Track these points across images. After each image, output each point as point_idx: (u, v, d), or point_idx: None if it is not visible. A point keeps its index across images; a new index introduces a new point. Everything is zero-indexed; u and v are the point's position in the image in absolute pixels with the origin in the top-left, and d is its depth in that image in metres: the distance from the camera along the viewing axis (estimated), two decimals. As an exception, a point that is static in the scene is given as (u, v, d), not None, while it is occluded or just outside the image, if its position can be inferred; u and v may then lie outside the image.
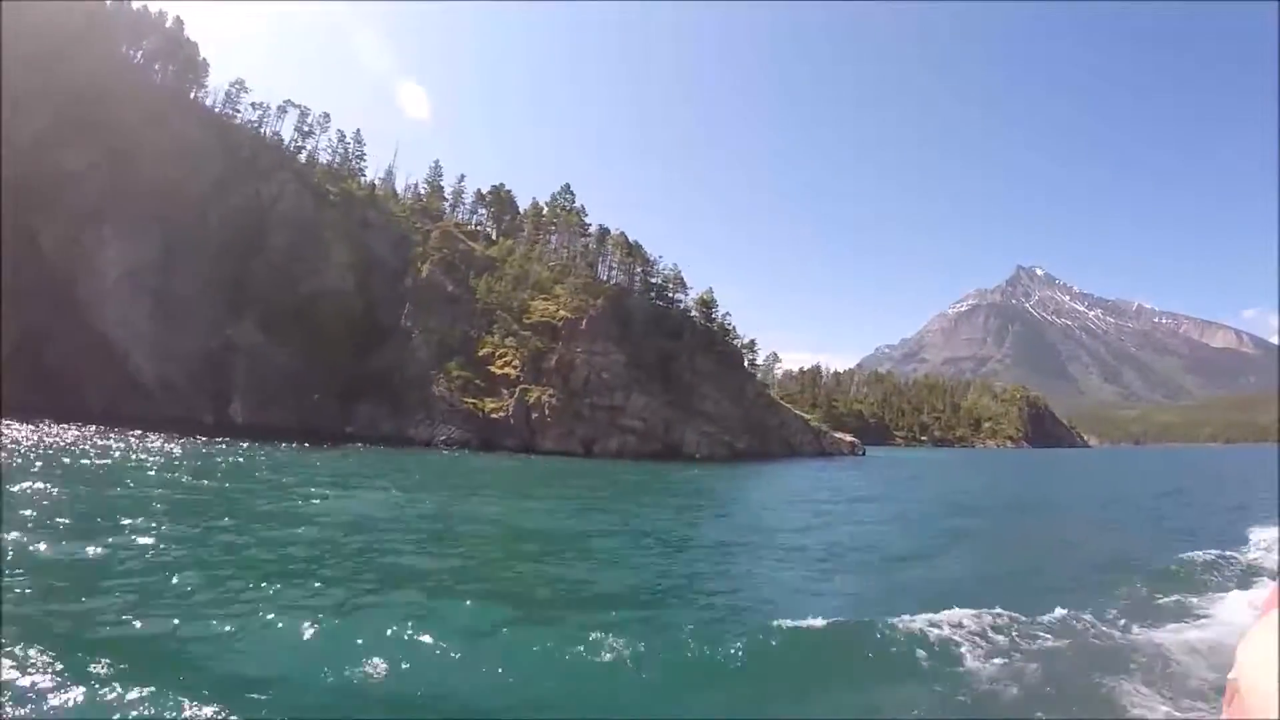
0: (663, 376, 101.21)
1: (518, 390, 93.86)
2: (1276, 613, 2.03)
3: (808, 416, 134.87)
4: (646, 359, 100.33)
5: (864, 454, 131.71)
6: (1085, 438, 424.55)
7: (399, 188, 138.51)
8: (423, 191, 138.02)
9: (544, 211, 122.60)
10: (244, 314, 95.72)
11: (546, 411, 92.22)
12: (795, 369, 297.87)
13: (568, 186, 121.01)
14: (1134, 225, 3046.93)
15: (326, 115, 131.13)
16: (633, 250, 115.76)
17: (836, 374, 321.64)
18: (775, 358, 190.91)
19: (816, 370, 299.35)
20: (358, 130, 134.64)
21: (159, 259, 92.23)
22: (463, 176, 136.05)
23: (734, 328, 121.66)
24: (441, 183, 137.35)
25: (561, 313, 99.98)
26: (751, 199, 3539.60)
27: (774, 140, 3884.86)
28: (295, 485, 34.01)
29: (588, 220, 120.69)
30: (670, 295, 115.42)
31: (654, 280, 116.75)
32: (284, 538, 20.20)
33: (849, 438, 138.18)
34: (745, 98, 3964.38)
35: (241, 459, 46.98)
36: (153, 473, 34.73)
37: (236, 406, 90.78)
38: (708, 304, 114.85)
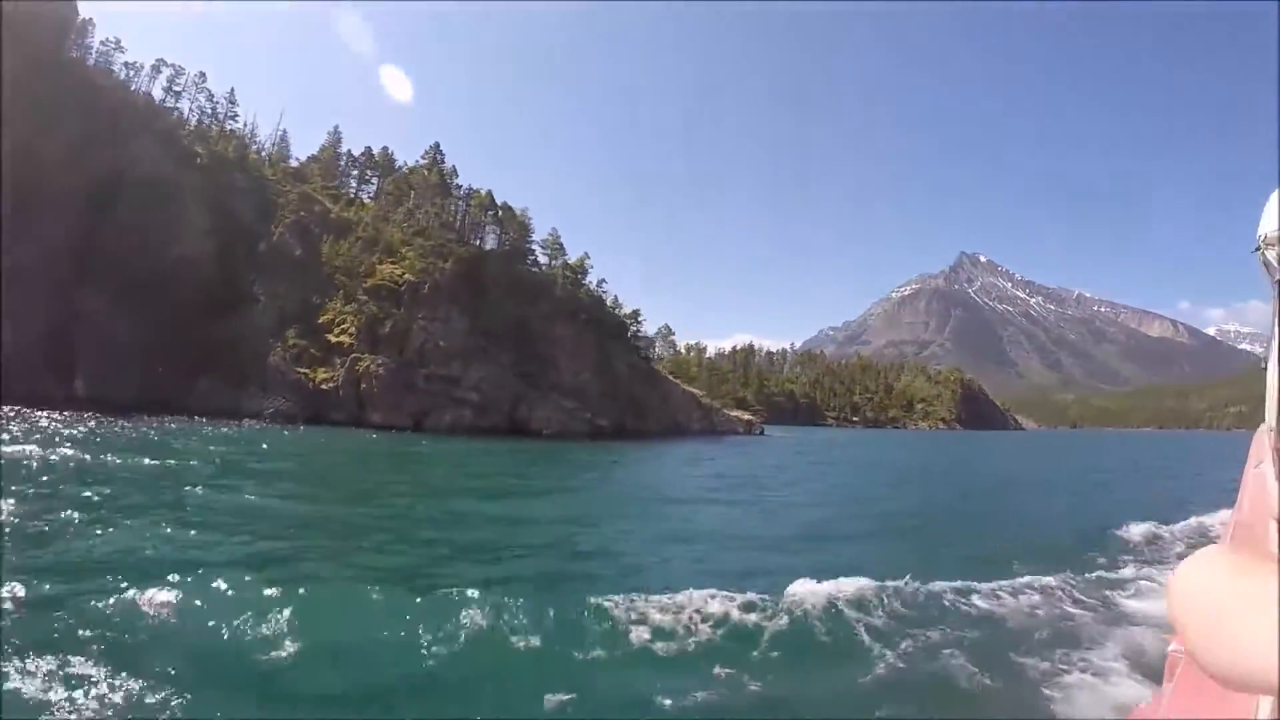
0: (515, 346, 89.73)
1: (349, 360, 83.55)
2: (1211, 548, 1.84)
3: (698, 392, 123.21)
4: (498, 327, 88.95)
5: (761, 433, 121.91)
6: (1020, 421, 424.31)
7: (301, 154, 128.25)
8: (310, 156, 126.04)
9: (410, 173, 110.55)
10: (91, 282, 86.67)
11: (375, 382, 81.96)
12: (728, 348, 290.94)
13: (437, 146, 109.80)
14: (1075, 216, 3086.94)
15: (202, 74, 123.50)
16: (500, 212, 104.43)
17: (770, 354, 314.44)
18: (668, 329, 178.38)
19: (750, 349, 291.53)
20: (231, 90, 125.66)
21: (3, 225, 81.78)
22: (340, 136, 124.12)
23: (615, 297, 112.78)
24: (342, 149, 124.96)
25: (407, 276, 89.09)
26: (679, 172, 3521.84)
27: (718, 119, 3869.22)
28: None
29: (458, 182, 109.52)
30: (550, 263, 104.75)
31: (531, 245, 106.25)
32: None
33: (746, 416, 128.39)
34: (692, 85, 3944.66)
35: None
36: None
37: (81, 380, 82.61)
38: (575, 270, 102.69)
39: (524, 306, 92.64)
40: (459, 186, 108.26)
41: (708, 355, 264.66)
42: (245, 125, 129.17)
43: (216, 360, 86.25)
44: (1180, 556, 17.96)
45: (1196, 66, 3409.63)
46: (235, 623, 10.54)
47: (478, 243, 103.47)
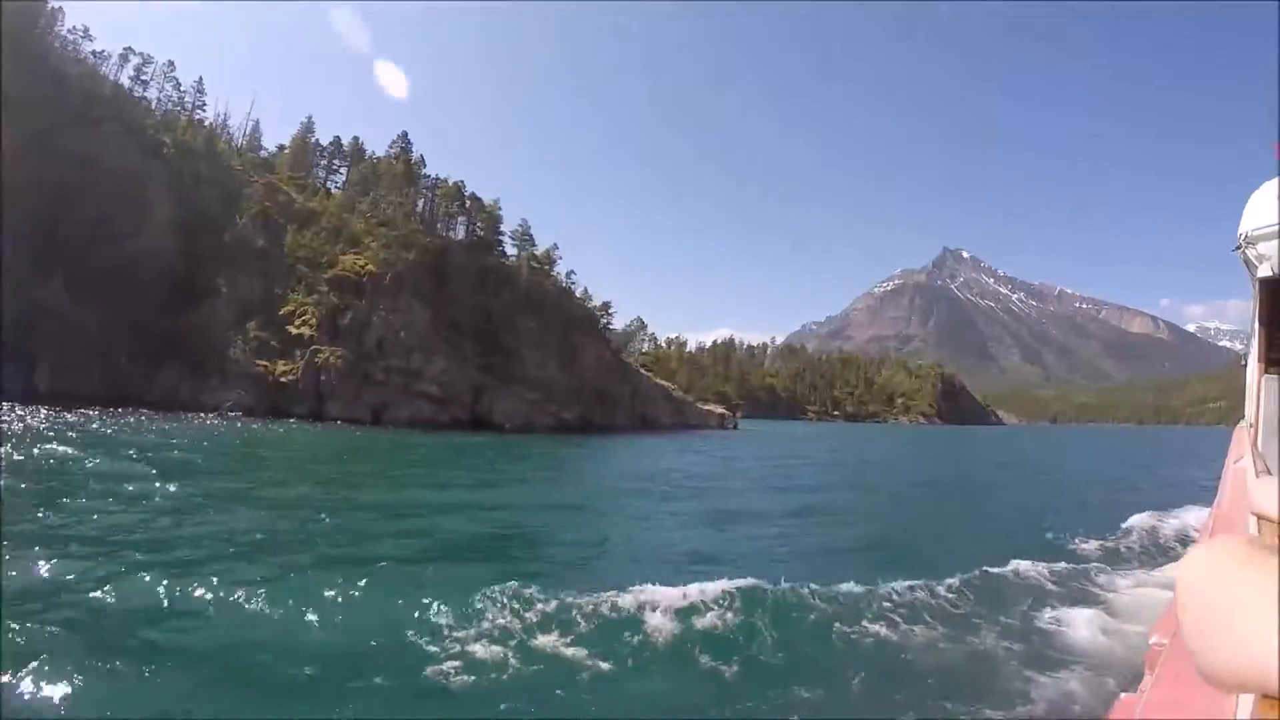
0: (479, 338, 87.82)
1: (309, 352, 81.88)
2: (1217, 538, 1.93)
3: (670, 385, 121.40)
4: (461, 319, 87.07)
5: (735, 427, 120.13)
6: (1001, 416, 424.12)
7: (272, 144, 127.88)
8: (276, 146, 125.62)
9: (376, 163, 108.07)
10: (54, 274, 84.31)
11: (333, 375, 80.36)
12: (709, 342, 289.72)
13: (405, 135, 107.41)
14: (1058, 213, 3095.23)
15: (171, 63, 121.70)
16: (468, 202, 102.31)
17: (751, 348, 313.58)
18: (640, 323, 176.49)
19: (730, 343, 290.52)
20: (199, 79, 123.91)
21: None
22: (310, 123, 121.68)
23: (585, 289, 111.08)
24: (315, 139, 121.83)
25: (369, 267, 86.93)
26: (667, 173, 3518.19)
27: (707, 115, 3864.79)
28: None
29: (425, 172, 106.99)
30: (520, 254, 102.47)
31: (501, 237, 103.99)
32: None
33: (719, 409, 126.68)
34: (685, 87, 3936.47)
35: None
36: None
37: (41, 373, 79.98)
38: (540, 260, 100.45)
39: (488, 298, 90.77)
40: (427, 177, 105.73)
41: (689, 349, 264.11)
42: (218, 116, 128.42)
43: (178, 353, 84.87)
44: (1168, 550, 19.93)
45: (1178, 65, 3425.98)
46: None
47: (450, 234, 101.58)
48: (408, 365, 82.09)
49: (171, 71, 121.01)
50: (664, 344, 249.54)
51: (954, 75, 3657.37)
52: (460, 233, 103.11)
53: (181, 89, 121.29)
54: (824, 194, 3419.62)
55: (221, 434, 51.19)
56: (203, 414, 73.50)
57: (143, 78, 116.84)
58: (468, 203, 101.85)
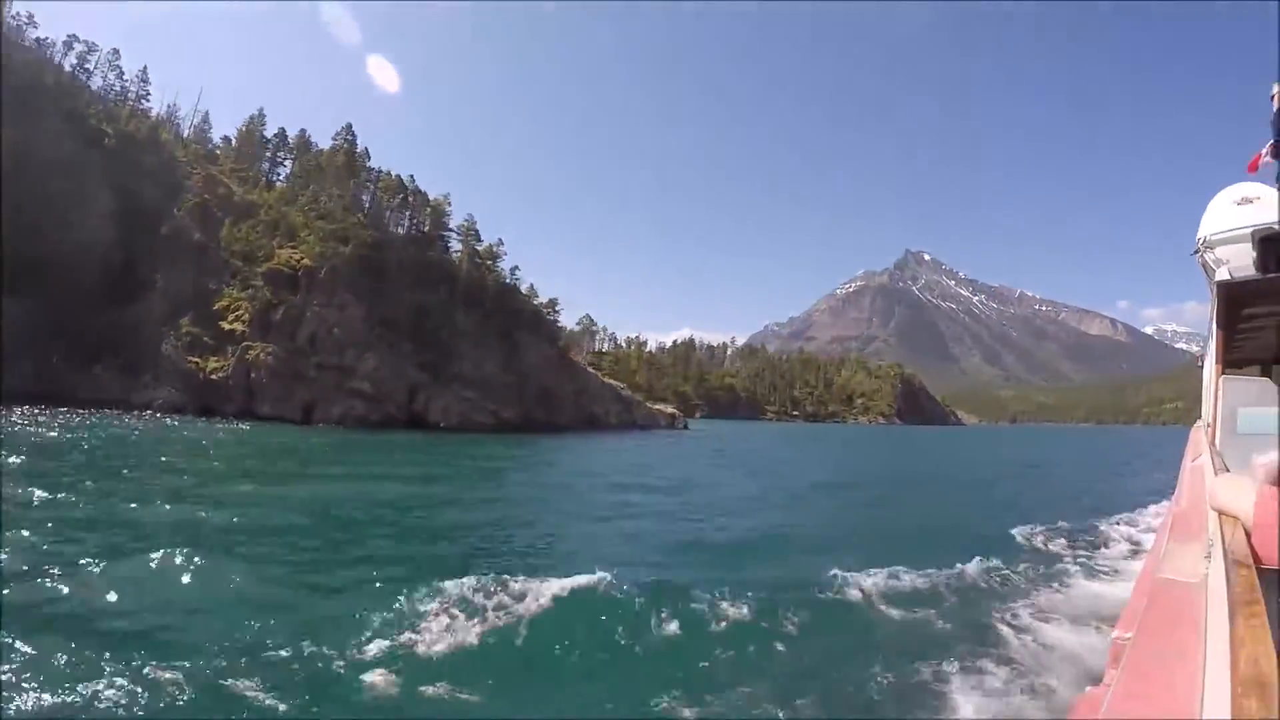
0: (416, 335, 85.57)
1: (240, 348, 79.49)
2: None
3: (618, 384, 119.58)
4: (398, 315, 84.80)
5: (685, 427, 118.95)
6: (961, 416, 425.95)
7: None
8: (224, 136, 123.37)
9: (319, 155, 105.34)
10: None
11: (264, 372, 77.91)
12: (669, 341, 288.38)
13: (349, 127, 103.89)
14: (1019, 217, 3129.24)
15: (116, 51, 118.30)
16: (410, 196, 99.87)
17: (711, 347, 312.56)
18: (590, 320, 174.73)
19: (690, 343, 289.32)
20: (144, 68, 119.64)
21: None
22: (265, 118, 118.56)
23: (530, 285, 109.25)
24: (265, 131, 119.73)
25: (304, 261, 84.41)
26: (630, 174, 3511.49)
27: (670, 119, 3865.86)
28: None
29: (371, 165, 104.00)
30: (467, 250, 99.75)
31: (449, 232, 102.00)
32: None
33: (670, 409, 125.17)
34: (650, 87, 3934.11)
35: None
36: None
37: None
38: (481, 255, 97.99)
39: (427, 294, 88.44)
40: (372, 170, 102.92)
41: (650, 349, 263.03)
42: (169, 108, 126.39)
43: (112, 349, 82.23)
44: (1129, 547, 20.14)
45: (1139, 72, 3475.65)
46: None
47: (399, 230, 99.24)
48: (341, 362, 79.86)
49: (116, 60, 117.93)
50: (624, 344, 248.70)
51: (916, 78, 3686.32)
52: (407, 228, 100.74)
53: (125, 78, 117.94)
54: (787, 195, 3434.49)
55: (136, 434, 48.69)
56: (133, 412, 71.16)
57: (86, 66, 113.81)
58: (410, 197, 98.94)
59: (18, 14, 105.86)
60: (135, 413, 71.12)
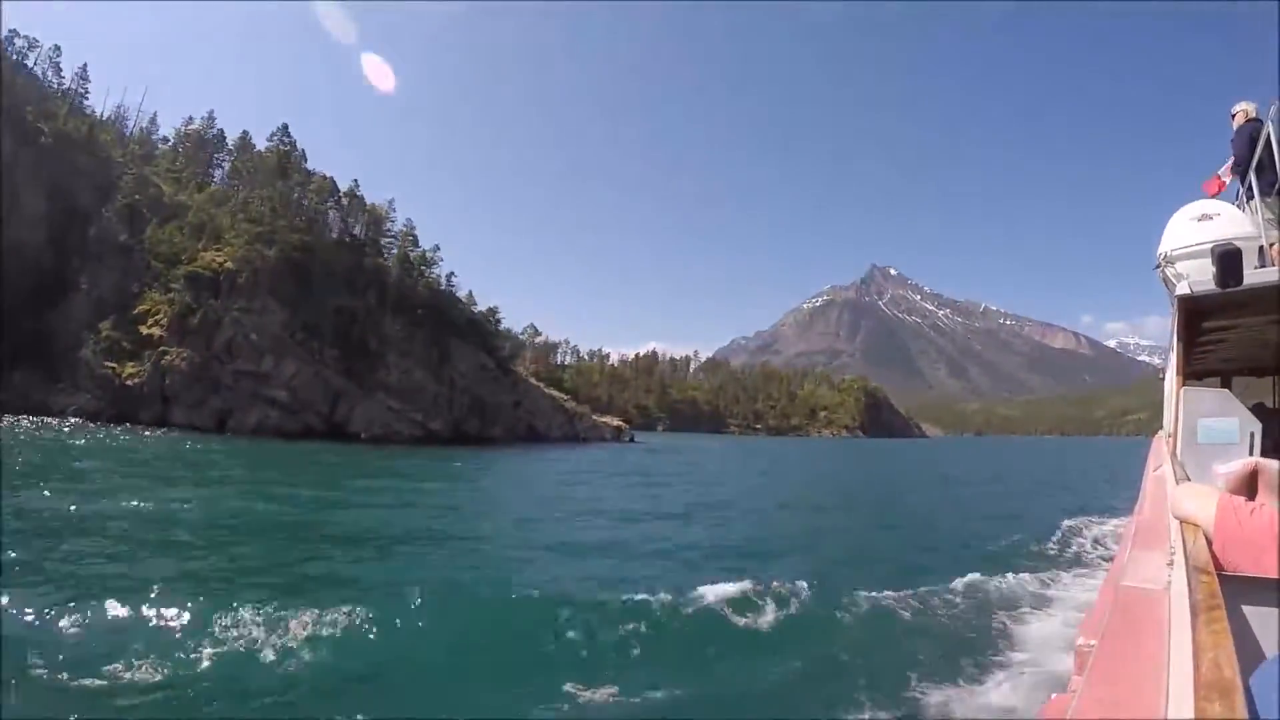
0: (341, 342, 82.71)
1: (156, 353, 76.53)
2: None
3: (561, 396, 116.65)
4: (322, 321, 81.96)
5: (631, 440, 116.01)
6: (924, 429, 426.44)
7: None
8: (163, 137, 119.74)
9: (252, 156, 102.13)
10: None
11: (178, 378, 75.10)
12: (632, 355, 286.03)
13: (285, 128, 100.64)
14: (984, 232, 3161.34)
15: (57, 48, 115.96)
16: (343, 198, 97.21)
17: (673, 360, 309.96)
18: (534, 330, 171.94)
19: (653, 355, 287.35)
20: (84, 66, 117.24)
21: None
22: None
23: (469, 292, 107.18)
24: (218, 129, 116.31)
25: (227, 264, 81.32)
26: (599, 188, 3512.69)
27: (643, 130, 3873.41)
28: None
29: (309, 167, 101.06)
30: (399, 256, 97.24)
31: (389, 238, 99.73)
32: None
33: (615, 422, 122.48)
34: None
35: None
36: None
37: None
38: (418, 262, 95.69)
39: (354, 299, 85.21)
40: (311, 171, 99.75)
41: (613, 363, 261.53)
42: (119, 107, 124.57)
43: (33, 354, 79.12)
44: (1092, 555, 20.73)
45: (1099, 91, 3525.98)
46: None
47: (332, 234, 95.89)
48: (258, 369, 77.19)
49: (57, 57, 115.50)
50: (586, 356, 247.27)
51: (881, 95, 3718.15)
52: (340, 232, 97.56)
53: (62, 74, 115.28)
54: (754, 211, 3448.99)
55: (21, 443, 44.83)
56: (47, 418, 68.55)
57: (25, 63, 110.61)
58: (343, 199, 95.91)
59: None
60: (46, 420, 68.15)
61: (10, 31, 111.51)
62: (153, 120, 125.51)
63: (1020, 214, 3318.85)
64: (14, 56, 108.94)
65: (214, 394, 75.38)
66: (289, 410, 76.78)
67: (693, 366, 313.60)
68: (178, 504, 24.39)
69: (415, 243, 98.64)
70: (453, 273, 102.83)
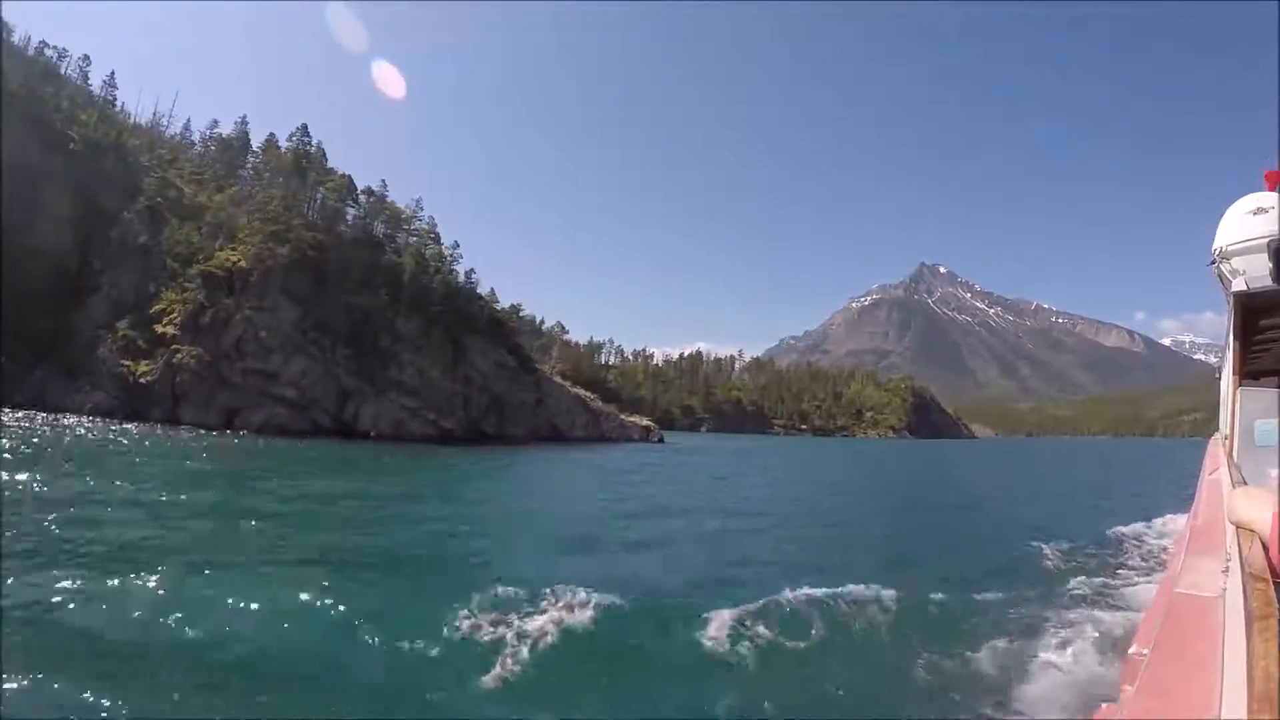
0: (354, 340, 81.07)
1: (168, 352, 75.80)
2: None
3: (588, 395, 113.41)
4: (334, 319, 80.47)
5: (660, 440, 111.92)
6: (976, 429, 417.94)
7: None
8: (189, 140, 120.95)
9: (269, 155, 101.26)
10: None
11: (187, 376, 74.27)
12: (676, 354, 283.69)
13: (305, 128, 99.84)
14: (1035, 229, 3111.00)
15: (86, 58, 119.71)
16: (360, 195, 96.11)
17: (718, 360, 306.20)
18: (561, 328, 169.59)
19: (698, 356, 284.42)
20: (111, 73, 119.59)
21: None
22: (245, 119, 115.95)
23: (491, 289, 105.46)
24: (249, 136, 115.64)
25: (242, 263, 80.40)
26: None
27: (693, 135, 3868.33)
28: None
29: (331, 167, 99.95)
30: (414, 253, 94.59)
31: (415, 237, 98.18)
32: None
33: (644, 422, 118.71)
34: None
35: None
36: None
37: None
38: (427, 259, 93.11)
39: (367, 297, 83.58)
40: (332, 170, 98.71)
41: (658, 363, 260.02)
42: (155, 115, 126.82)
43: (55, 352, 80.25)
44: (1148, 560, 19.79)
45: (1155, 84, 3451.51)
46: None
47: (347, 232, 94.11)
48: (266, 367, 75.96)
49: (86, 66, 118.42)
50: (630, 357, 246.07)
51: (931, 93, 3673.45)
52: (357, 228, 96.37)
53: (90, 82, 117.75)
54: (804, 209, 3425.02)
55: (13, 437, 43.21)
56: (61, 415, 68.36)
57: (57, 70, 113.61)
58: (364, 198, 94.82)
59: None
60: (68, 417, 68.06)
61: (41, 43, 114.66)
62: (187, 126, 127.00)
63: (1071, 208, 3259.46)
64: (44, 70, 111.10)
65: (222, 391, 74.43)
66: (297, 408, 75.48)
67: (737, 366, 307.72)
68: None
69: (437, 240, 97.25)
70: (472, 270, 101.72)
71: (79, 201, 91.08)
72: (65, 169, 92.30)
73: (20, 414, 64.42)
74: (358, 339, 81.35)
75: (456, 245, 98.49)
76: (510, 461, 57.64)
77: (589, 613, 11.77)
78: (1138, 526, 25.42)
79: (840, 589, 13.64)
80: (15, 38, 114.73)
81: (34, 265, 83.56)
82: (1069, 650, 11.29)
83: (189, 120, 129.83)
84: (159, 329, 78.76)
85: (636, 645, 11.15)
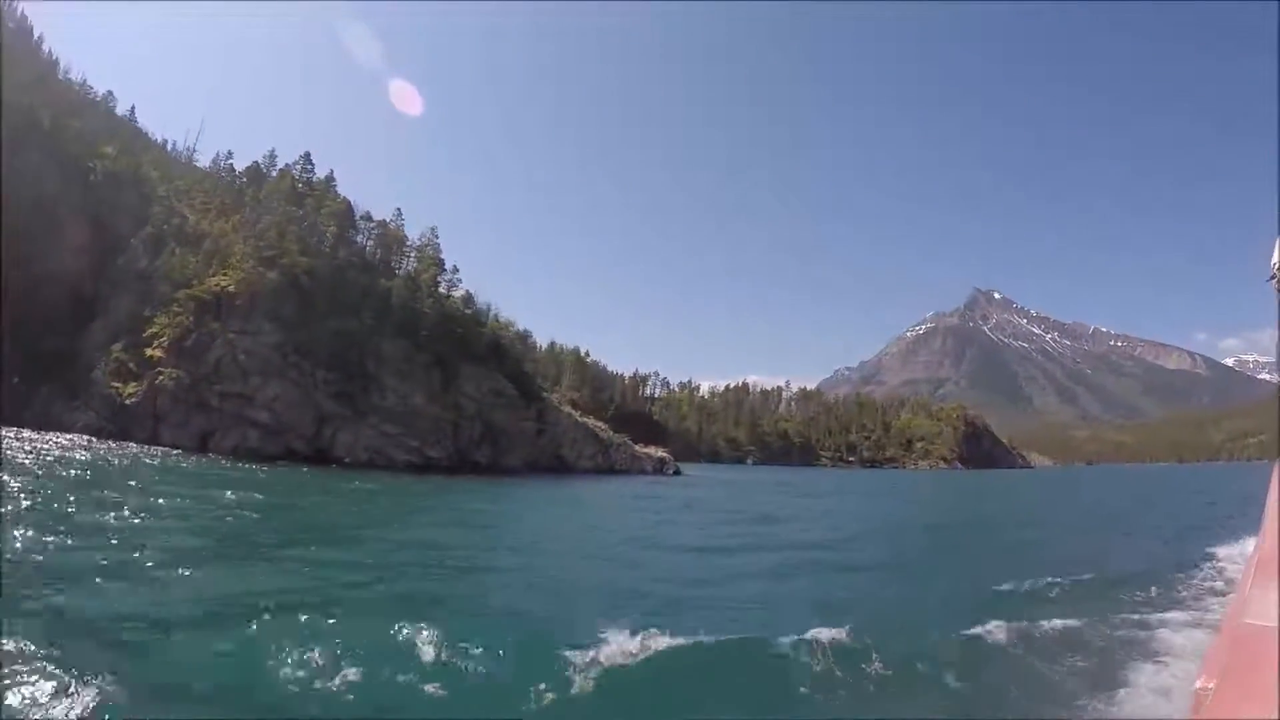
0: (339, 364, 79.31)
1: (152, 374, 76.40)
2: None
3: (598, 425, 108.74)
4: (317, 344, 78.76)
5: (676, 473, 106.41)
6: (1032, 458, 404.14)
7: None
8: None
9: (269, 180, 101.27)
10: None
11: (166, 398, 74.81)
12: (723, 386, 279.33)
13: (307, 156, 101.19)
14: (1088, 251, 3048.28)
15: (110, 93, 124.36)
16: (359, 221, 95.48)
17: (764, 391, 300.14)
18: (578, 353, 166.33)
19: (744, 387, 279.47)
20: (132, 108, 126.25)
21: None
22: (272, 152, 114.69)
23: (488, 309, 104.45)
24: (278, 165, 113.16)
25: (230, 287, 79.94)
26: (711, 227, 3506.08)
27: (734, 161, 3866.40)
28: None
29: (338, 191, 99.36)
30: (404, 276, 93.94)
31: (409, 262, 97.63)
32: None
33: (659, 453, 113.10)
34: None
35: None
36: None
37: None
38: (420, 283, 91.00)
39: (353, 321, 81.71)
40: (336, 195, 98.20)
41: (703, 394, 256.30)
42: (189, 146, 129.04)
43: (59, 373, 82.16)
44: (1217, 589, 19.77)
45: (1207, 98, 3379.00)
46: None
47: (347, 258, 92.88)
48: (243, 390, 75.41)
49: (111, 102, 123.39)
50: (676, 389, 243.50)
51: (979, 117, 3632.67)
52: (366, 255, 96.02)
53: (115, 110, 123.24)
54: (855, 236, 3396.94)
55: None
56: (51, 434, 68.36)
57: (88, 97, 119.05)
58: (359, 222, 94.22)
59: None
60: (48, 434, 67.58)
61: (66, 76, 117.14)
62: (216, 158, 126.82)
63: (1124, 226, 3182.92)
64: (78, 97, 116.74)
65: (199, 414, 74.54)
66: (270, 431, 74.54)
67: (785, 398, 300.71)
68: None
69: (440, 265, 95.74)
70: (469, 293, 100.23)
71: (95, 230, 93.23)
72: (84, 199, 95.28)
73: (9, 431, 62.11)
74: (342, 364, 79.98)
75: (455, 269, 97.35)
76: (497, 493, 54.78)
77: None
78: (1202, 554, 25.04)
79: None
80: (59, 72, 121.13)
81: (50, 291, 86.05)
82: (1140, 679, 11.34)
83: (230, 153, 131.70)
84: (149, 352, 79.16)
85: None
